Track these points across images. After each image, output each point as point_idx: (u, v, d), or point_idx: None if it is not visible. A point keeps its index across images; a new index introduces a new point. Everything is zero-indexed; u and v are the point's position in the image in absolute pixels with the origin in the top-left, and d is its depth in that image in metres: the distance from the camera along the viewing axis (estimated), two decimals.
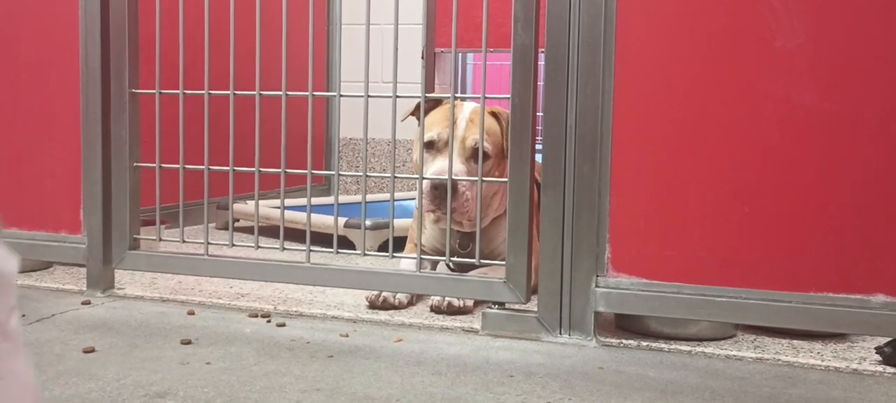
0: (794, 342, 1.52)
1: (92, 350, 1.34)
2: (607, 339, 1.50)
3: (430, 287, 1.62)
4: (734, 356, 1.42)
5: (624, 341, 1.49)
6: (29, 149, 1.87)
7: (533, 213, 1.53)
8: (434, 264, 1.90)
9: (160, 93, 1.72)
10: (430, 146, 1.79)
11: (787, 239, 1.38)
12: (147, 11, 1.74)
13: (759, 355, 1.43)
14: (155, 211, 1.78)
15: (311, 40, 1.63)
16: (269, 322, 1.57)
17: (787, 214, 1.38)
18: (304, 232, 1.69)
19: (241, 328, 1.53)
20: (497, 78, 3.43)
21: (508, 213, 1.53)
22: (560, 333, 1.49)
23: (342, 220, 2.34)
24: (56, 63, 1.81)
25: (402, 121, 1.88)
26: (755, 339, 1.53)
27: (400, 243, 1.96)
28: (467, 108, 1.82)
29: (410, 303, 1.73)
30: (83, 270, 1.84)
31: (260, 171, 1.67)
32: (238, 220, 2.74)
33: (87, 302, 1.70)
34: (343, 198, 2.99)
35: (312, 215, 1.74)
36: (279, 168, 1.67)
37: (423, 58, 2.96)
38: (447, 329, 1.56)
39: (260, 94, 1.66)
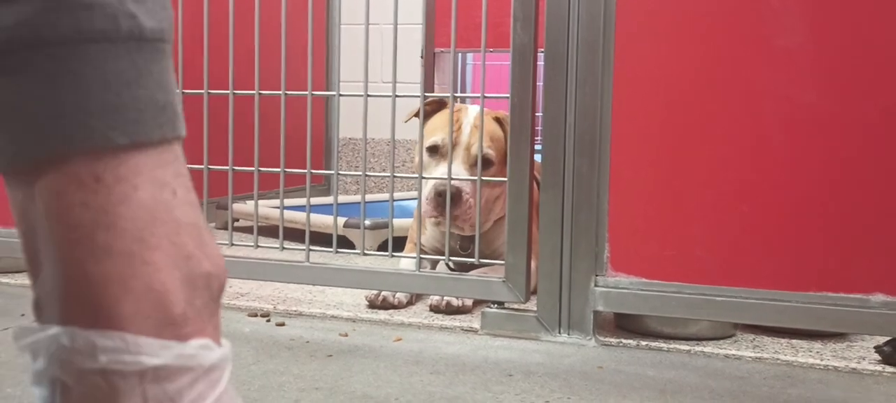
0: (794, 341, 1.52)
1: None
2: (606, 339, 1.50)
3: (429, 286, 1.62)
4: (733, 355, 1.42)
5: (623, 340, 1.49)
6: None
7: (532, 213, 1.53)
8: (433, 264, 1.90)
9: None
10: (433, 151, 1.79)
11: (786, 239, 1.38)
12: None
13: (759, 354, 1.43)
14: None
15: (310, 40, 1.63)
16: (268, 321, 1.57)
17: (787, 213, 1.38)
18: (304, 231, 1.69)
19: (241, 327, 1.53)
20: (496, 78, 3.42)
21: (507, 213, 1.53)
22: (559, 332, 1.49)
23: (342, 220, 2.34)
24: None
25: (405, 121, 1.88)
26: (754, 339, 1.53)
27: (400, 243, 1.96)
28: (472, 114, 1.81)
29: (410, 303, 1.73)
30: None
31: (259, 171, 1.67)
32: (238, 220, 2.74)
33: None
34: (343, 198, 2.99)
35: (312, 215, 1.74)
36: (278, 167, 1.67)
37: (422, 57, 2.96)
38: (446, 328, 1.56)
39: (259, 94, 1.66)
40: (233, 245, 1.73)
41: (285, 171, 1.67)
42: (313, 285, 1.75)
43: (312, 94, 1.64)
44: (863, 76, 1.33)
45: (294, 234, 2.09)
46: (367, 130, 1.65)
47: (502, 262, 1.57)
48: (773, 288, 1.38)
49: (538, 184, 1.55)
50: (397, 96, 1.61)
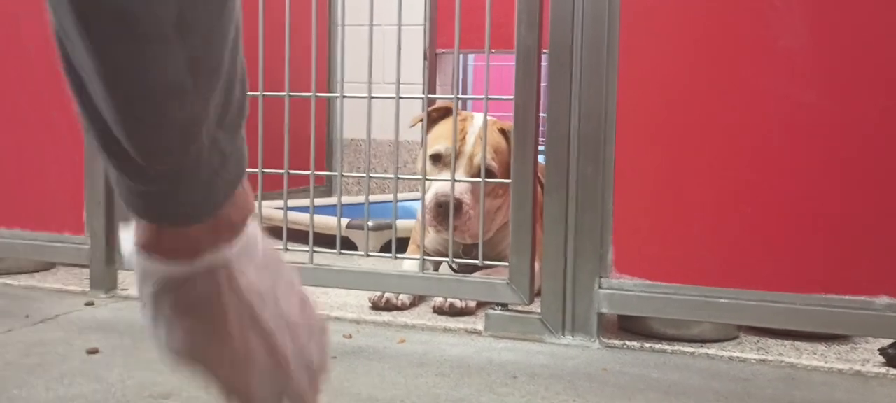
0: (798, 343, 1.51)
1: (96, 351, 1.34)
2: (610, 340, 1.50)
3: (432, 288, 1.62)
4: (737, 357, 1.42)
5: (627, 342, 1.49)
6: (32, 150, 1.87)
7: (536, 214, 1.53)
8: (437, 265, 1.90)
9: None
10: (436, 159, 1.79)
11: (789, 240, 1.38)
12: None
13: (762, 356, 1.43)
14: None
15: (314, 41, 1.63)
16: None
17: (790, 215, 1.38)
18: (307, 233, 1.69)
19: None
20: (499, 79, 3.42)
21: (511, 214, 1.53)
22: (563, 334, 1.49)
23: (345, 221, 2.34)
24: (59, 63, 1.81)
25: (411, 127, 1.88)
26: (758, 340, 1.53)
27: (403, 244, 1.96)
28: (477, 123, 1.80)
29: (413, 304, 1.73)
30: (86, 271, 1.84)
31: (263, 172, 1.67)
32: None
33: (90, 303, 1.70)
34: (346, 199, 2.99)
35: (315, 216, 1.74)
36: (282, 169, 1.67)
37: (425, 58, 2.96)
38: (450, 330, 1.56)
39: (263, 95, 1.66)
40: None
41: (289, 173, 1.67)
42: (317, 286, 1.75)
43: (316, 96, 1.64)
44: (864, 76, 1.33)
45: (297, 235, 2.09)
46: (371, 131, 1.65)
47: (506, 264, 1.57)
48: (776, 289, 1.38)
49: (542, 185, 1.55)
50: (401, 97, 1.62)
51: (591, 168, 1.46)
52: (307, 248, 1.67)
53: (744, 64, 1.39)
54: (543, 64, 1.50)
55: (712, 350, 1.46)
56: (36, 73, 1.85)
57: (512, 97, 1.51)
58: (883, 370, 1.37)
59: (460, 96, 1.63)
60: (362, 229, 2.23)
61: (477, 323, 1.59)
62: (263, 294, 0.62)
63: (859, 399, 1.23)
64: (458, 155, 1.73)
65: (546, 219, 1.50)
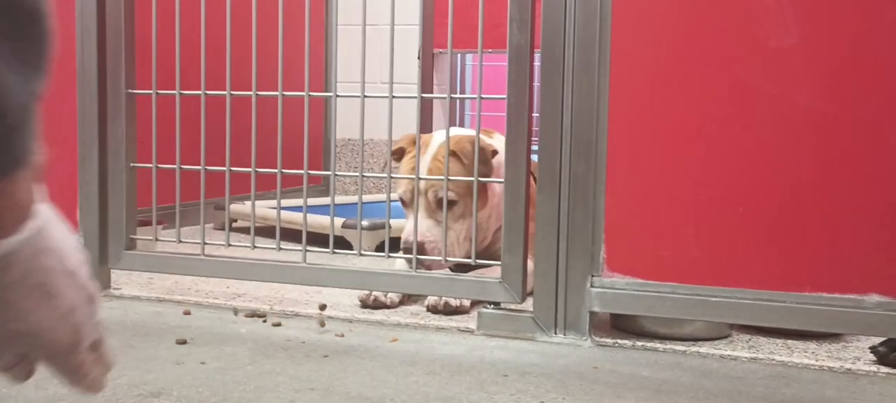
0: (789, 341, 1.52)
1: None
2: (602, 339, 1.50)
3: (425, 287, 1.62)
4: (729, 356, 1.43)
5: (619, 341, 1.49)
6: None
7: (530, 213, 1.54)
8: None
9: (157, 93, 1.72)
10: (403, 202, 1.83)
11: (781, 239, 1.38)
12: (143, 11, 1.74)
13: (754, 355, 1.43)
14: (151, 212, 1.78)
15: (307, 40, 1.63)
16: (264, 322, 1.58)
17: (781, 214, 1.38)
18: (301, 232, 1.70)
19: (237, 328, 1.53)
20: (495, 78, 3.43)
21: (504, 213, 1.53)
22: (555, 333, 1.49)
23: (339, 221, 2.34)
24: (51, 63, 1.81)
25: (383, 169, 1.89)
26: (750, 339, 1.53)
27: (397, 243, 1.96)
28: (429, 154, 1.82)
29: (402, 303, 1.74)
30: None
31: (256, 172, 1.68)
32: (235, 221, 2.74)
33: None
34: (340, 199, 3.00)
35: (310, 215, 1.74)
36: (276, 168, 1.67)
37: (419, 58, 2.96)
38: (443, 328, 1.57)
39: (256, 95, 1.66)
40: (230, 245, 1.73)
41: (282, 172, 1.67)
42: (310, 286, 1.75)
43: (310, 95, 1.64)
44: (855, 76, 1.33)
45: (292, 235, 2.09)
46: (365, 131, 1.65)
47: (499, 263, 1.57)
48: (767, 288, 1.39)
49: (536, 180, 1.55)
50: (394, 97, 1.62)
51: (583, 166, 1.47)
52: (301, 248, 1.67)
53: (735, 63, 1.39)
54: (536, 63, 1.51)
55: (704, 348, 1.46)
56: None
57: (505, 96, 1.51)
58: (873, 368, 1.37)
59: (453, 96, 1.63)
60: (356, 228, 2.23)
61: (470, 321, 1.60)
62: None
63: (850, 397, 1.23)
64: (419, 193, 1.71)
65: (538, 218, 1.50)
